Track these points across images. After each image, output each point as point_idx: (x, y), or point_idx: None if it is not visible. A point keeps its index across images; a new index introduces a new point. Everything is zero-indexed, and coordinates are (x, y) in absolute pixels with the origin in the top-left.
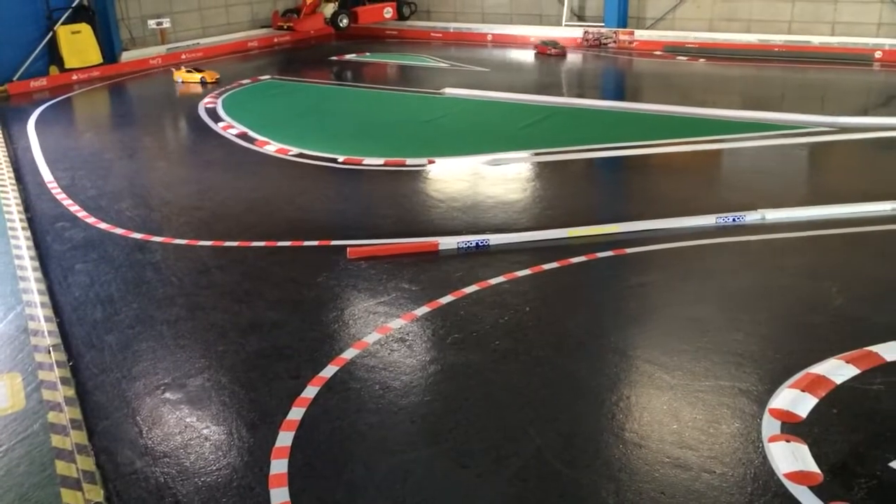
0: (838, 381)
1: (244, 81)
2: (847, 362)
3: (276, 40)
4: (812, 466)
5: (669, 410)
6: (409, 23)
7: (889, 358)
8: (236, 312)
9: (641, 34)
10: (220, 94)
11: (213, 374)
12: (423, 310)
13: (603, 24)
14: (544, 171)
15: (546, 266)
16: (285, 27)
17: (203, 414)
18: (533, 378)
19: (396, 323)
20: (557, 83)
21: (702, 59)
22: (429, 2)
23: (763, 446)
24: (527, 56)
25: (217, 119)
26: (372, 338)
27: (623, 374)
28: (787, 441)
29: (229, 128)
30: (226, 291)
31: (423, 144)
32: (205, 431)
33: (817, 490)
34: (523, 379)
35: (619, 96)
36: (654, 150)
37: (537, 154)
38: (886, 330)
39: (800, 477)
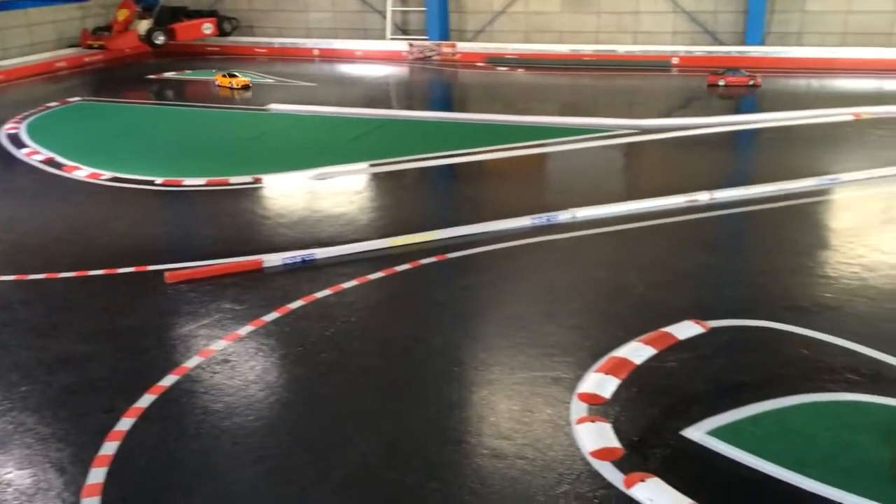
0: (638, 361)
1: (51, 104)
2: (645, 344)
3: (87, 60)
4: (614, 442)
5: (488, 405)
6: (231, 39)
7: (681, 337)
8: (42, 348)
9: (464, 46)
10: (24, 119)
11: (15, 416)
12: (247, 329)
13: (426, 38)
14: (372, 183)
15: (372, 276)
16: (96, 46)
17: (4, 459)
18: (358, 388)
19: (219, 345)
20: (385, 96)
21: (521, 70)
22: (251, 17)
23: (571, 429)
24: (354, 70)
25: (20, 145)
26: (193, 362)
27: (445, 375)
28: (593, 421)
29: (34, 154)
30: (30, 327)
31: (248, 162)
32: (7, 477)
33: (618, 463)
34: (349, 389)
35: (446, 107)
36: (480, 158)
37: (366, 166)
38: (679, 312)
39: (603, 453)
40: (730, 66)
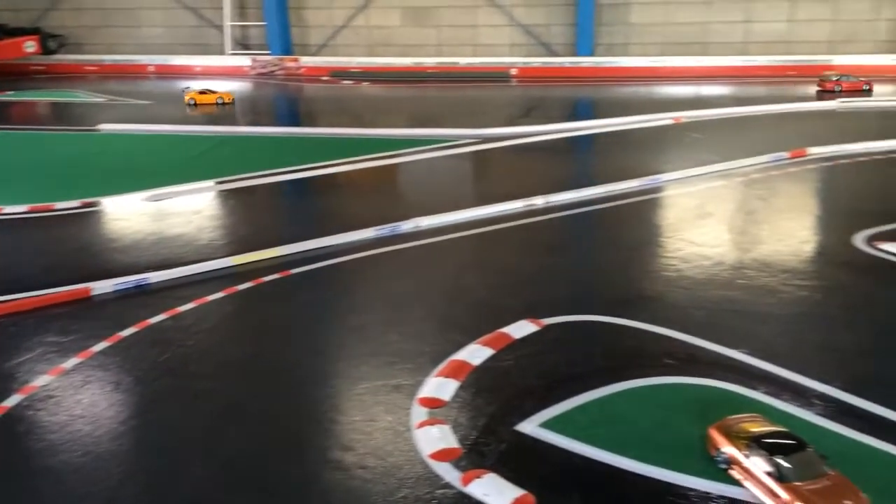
0: (476, 363)
1: None
2: (483, 345)
3: None
4: (453, 443)
5: (330, 418)
6: (58, 57)
7: (517, 336)
8: None
9: (307, 61)
10: None
11: None
12: (73, 361)
13: (269, 52)
14: (215, 202)
15: (211, 297)
16: None
17: None
18: (193, 412)
19: (42, 380)
20: (228, 112)
21: (365, 83)
22: (79, 34)
23: (411, 434)
24: (194, 86)
25: None
26: (12, 401)
27: (287, 393)
28: (432, 425)
29: None
30: None
31: (76, 186)
32: None
33: (457, 463)
34: (182, 415)
35: (293, 121)
36: (328, 171)
37: (211, 184)
38: (516, 312)
39: (442, 454)
40: (843, 73)
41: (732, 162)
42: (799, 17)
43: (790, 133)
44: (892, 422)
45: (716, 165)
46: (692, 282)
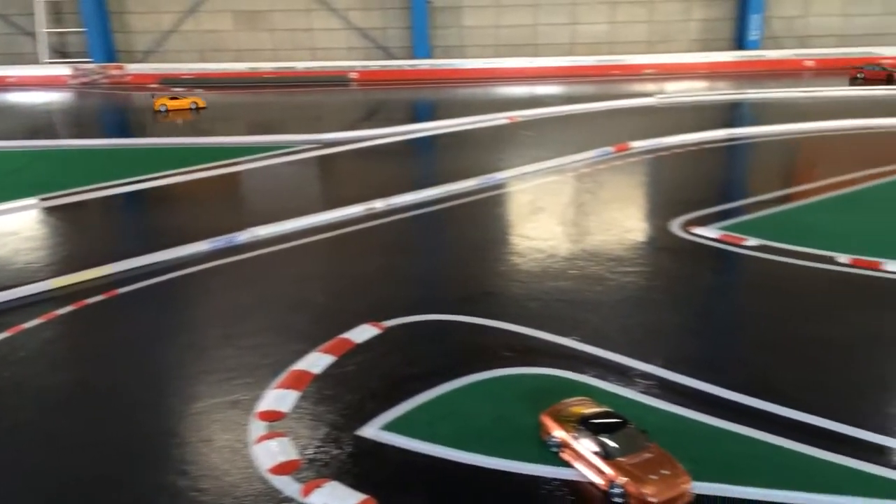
0: (317, 371)
1: None
2: (324, 353)
3: None
4: (292, 455)
5: (163, 442)
6: None
7: (358, 341)
8: None
9: (134, 68)
10: None
11: None
12: None
13: (90, 60)
14: (32, 221)
15: (28, 325)
16: None
17: None
18: (10, 446)
19: None
20: (48, 125)
21: (199, 90)
22: None
23: (250, 449)
24: (5, 98)
25: None
26: None
27: (115, 418)
28: (271, 438)
29: None
30: None
31: None
32: None
33: (297, 475)
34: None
35: (122, 132)
36: (159, 183)
37: (24, 203)
38: (358, 316)
39: (282, 468)
40: (867, 62)
41: (563, 158)
42: (619, 19)
43: (615, 129)
44: (707, 394)
45: (548, 162)
46: (528, 275)
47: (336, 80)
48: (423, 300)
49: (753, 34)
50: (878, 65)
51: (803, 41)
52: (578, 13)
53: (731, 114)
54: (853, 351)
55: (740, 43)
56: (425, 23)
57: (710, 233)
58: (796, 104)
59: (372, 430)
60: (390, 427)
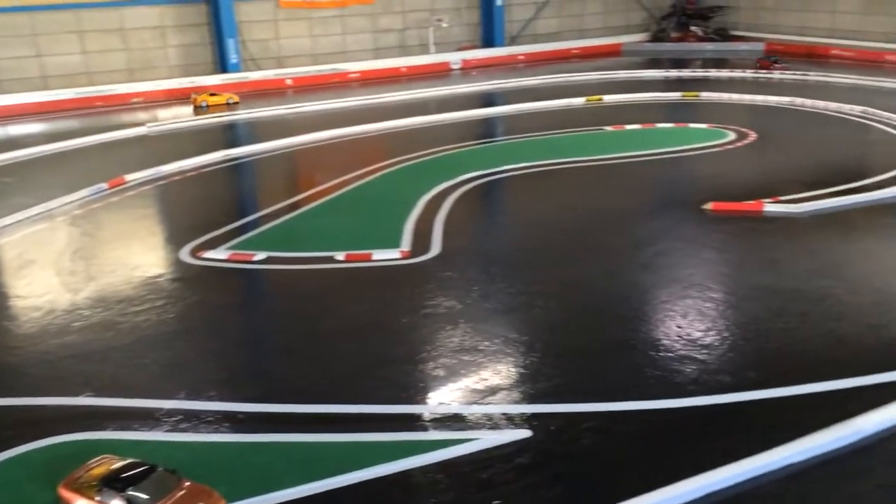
0: None
1: None
2: None
3: None
4: None
5: None
6: None
7: None
8: None
9: None
10: None
11: None
12: None
13: None
14: None
15: None
16: None
17: None
18: None
19: None
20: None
21: None
22: None
23: None
24: None
25: None
26: None
27: None
28: None
29: None
30: None
31: None
32: None
33: None
34: None
35: None
36: None
37: None
38: None
39: None
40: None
41: (51, 202)
42: (91, 49)
43: (107, 163)
44: (235, 413)
45: (33, 209)
46: (24, 339)
47: None
48: None
49: (233, 57)
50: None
51: (280, 62)
52: (42, 44)
53: (229, 134)
54: (360, 335)
55: (224, 66)
56: None
57: (219, 255)
58: (285, 120)
59: None
60: None
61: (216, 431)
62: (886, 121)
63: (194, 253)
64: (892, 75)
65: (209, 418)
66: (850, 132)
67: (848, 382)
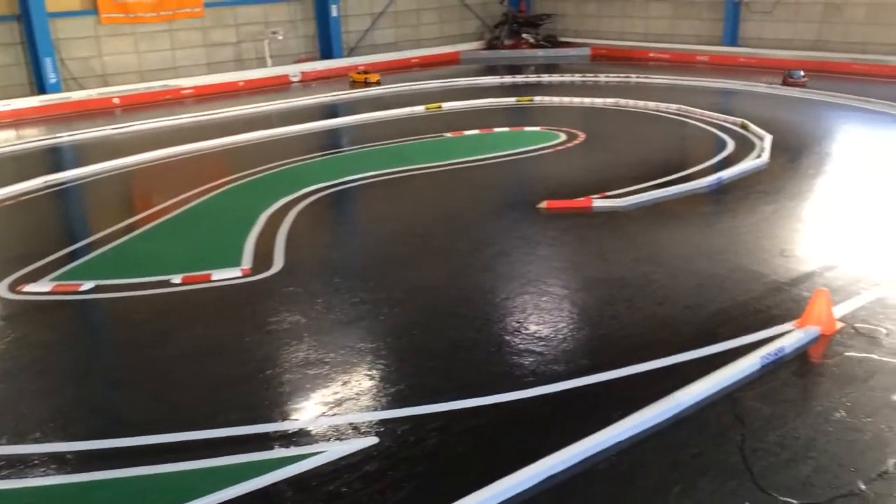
0: None
1: None
2: None
3: None
4: None
5: None
6: None
7: None
8: None
9: None
10: None
11: None
12: None
13: None
14: None
15: None
16: None
17: None
18: None
19: None
20: None
21: None
22: None
23: None
24: None
25: None
26: None
27: None
28: None
29: None
30: None
31: None
32: None
33: None
34: None
35: None
36: None
37: None
38: None
39: None
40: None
41: None
42: None
43: None
44: (63, 453)
45: None
46: None
47: None
48: None
49: (52, 77)
50: None
51: (105, 80)
52: None
53: (48, 159)
54: (201, 358)
55: (42, 87)
56: None
57: (41, 287)
58: (114, 140)
59: None
60: None
61: (45, 475)
62: (699, 117)
63: (13, 287)
64: (702, 74)
65: (35, 461)
66: (668, 128)
67: (671, 360)
